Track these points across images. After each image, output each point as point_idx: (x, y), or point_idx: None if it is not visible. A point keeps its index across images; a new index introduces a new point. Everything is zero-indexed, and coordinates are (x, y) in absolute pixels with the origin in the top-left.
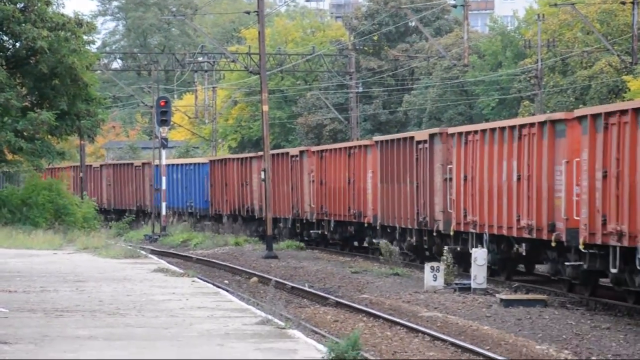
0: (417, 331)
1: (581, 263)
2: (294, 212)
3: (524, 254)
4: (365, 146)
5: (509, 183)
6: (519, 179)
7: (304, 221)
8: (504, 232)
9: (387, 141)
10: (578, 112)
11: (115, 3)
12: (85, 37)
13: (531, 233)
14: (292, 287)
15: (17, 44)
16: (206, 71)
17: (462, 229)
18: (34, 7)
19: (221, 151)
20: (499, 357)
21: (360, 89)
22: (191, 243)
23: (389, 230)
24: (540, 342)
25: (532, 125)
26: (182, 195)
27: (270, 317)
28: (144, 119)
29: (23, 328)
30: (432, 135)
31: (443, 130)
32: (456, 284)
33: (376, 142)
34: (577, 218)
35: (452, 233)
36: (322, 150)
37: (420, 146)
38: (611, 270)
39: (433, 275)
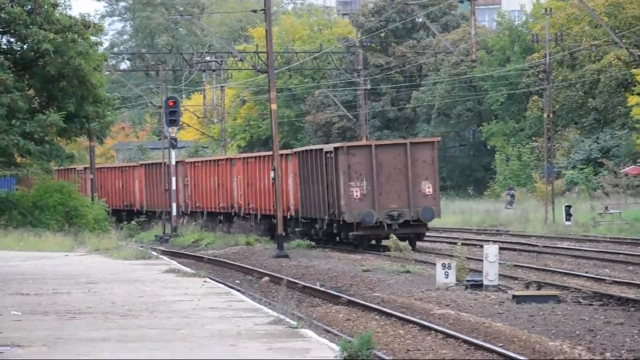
0: (430, 329)
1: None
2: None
3: (221, 219)
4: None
5: (215, 186)
6: (218, 184)
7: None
8: (213, 209)
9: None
10: (237, 155)
11: (122, 3)
12: (92, 39)
13: (227, 209)
14: (304, 286)
15: (25, 47)
16: (214, 70)
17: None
18: (41, 10)
19: (230, 150)
20: (512, 354)
21: (368, 86)
22: (202, 243)
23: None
24: (554, 339)
25: (223, 160)
26: None
27: (282, 316)
28: (153, 120)
29: (36, 331)
30: (177, 162)
31: (183, 160)
32: (468, 280)
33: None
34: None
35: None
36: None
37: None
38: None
39: (445, 273)
